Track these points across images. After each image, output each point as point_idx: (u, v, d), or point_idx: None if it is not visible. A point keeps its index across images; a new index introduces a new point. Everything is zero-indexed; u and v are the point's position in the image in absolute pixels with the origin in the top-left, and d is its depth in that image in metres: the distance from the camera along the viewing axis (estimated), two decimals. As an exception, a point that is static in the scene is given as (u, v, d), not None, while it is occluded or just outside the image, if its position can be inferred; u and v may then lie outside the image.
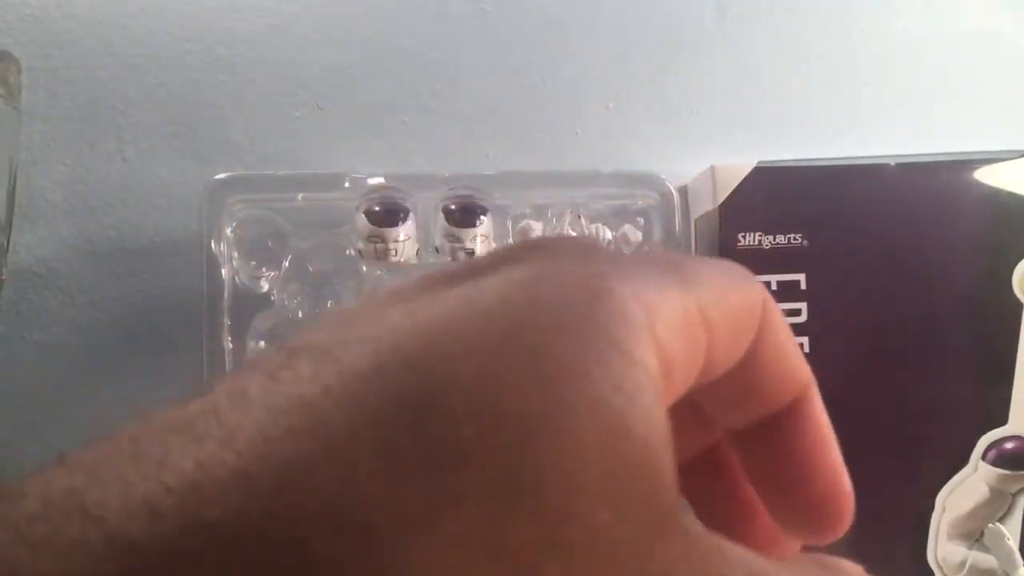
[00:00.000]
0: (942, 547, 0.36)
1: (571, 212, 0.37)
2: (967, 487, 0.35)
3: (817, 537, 0.17)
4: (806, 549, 0.18)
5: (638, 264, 0.14)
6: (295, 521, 0.09)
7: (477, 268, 0.14)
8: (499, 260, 0.14)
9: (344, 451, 0.10)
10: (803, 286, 0.36)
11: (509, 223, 0.37)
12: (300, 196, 0.36)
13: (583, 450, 0.11)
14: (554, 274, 0.13)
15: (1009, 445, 0.35)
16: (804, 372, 0.16)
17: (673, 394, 0.13)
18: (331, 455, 0.10)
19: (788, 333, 0.16)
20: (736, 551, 0.12)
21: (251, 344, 0.35)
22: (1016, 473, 0.35)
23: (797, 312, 0.35)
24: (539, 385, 0.11)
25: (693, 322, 0.14)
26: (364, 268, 0.36)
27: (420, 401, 0.11)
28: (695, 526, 0.12)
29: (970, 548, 0.36)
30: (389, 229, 0.35)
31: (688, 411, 0.16)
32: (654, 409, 0.12)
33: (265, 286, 0.36)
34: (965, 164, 0.36)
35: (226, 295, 0.35)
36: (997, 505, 0.36)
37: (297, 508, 0.10)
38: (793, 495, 0.17)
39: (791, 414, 0.16)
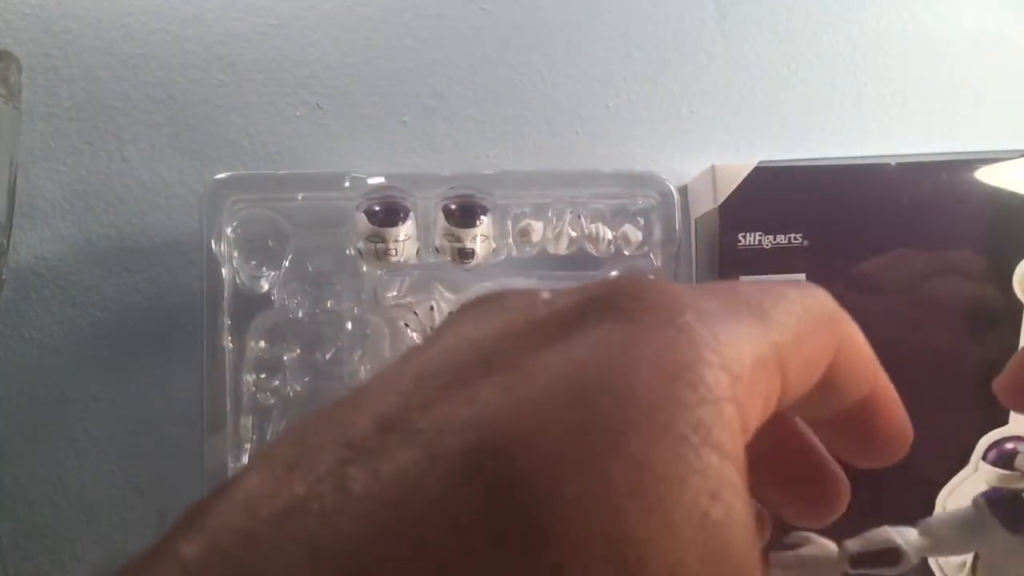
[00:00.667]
0: (942, 547, 0.36)
1: (571, 212, 0.37)
2: (968, 487, 0.35)
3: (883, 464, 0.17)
4: None
5: (725, 315, 0.13)
6: None
7: (563, 319, 0.13)
8: (585, 306, 0.13)
9: None
10: (803, 286, 0.35)
11: (509, 223, 0.37)
12: (300, 196, 0.36)
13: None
14: (645, 347, 0.12)
15: (1010, 445, 0.35)
16: (874, 370, 0.17)
17: (745, 441, 0.13)
18: None
19: (861, 344, 0.16)
20: None
21: (251, 344, 0.35)
22: (1016, 473, 0.35)
23: (797, 312, 0.35)
24: (643, 506, 0.11)
25: (771, 373, 0.14)
26: (364, 268, 0.36)
27: (526, 528, 0.10)
28: None
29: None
30: (389, 229, 0.35)
31: None
32: (745, 508, 0.12)
33: (265, 286, 0.36)
34: (966, 164, 0.36)
35: (226, 295, 0.35)
36: (997, 505, 0.36)
37: None
38: (863, 453, 0.17)
39: (861, 403, 0.17)
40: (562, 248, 0.37)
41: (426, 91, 0.40)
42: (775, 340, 0.14)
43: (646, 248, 0.37)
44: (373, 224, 0.35)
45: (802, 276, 0.36)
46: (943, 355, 0.36)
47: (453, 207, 0.35)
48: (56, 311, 0.38)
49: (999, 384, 0.20)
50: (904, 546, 0.15)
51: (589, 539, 0.10)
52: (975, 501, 0.16)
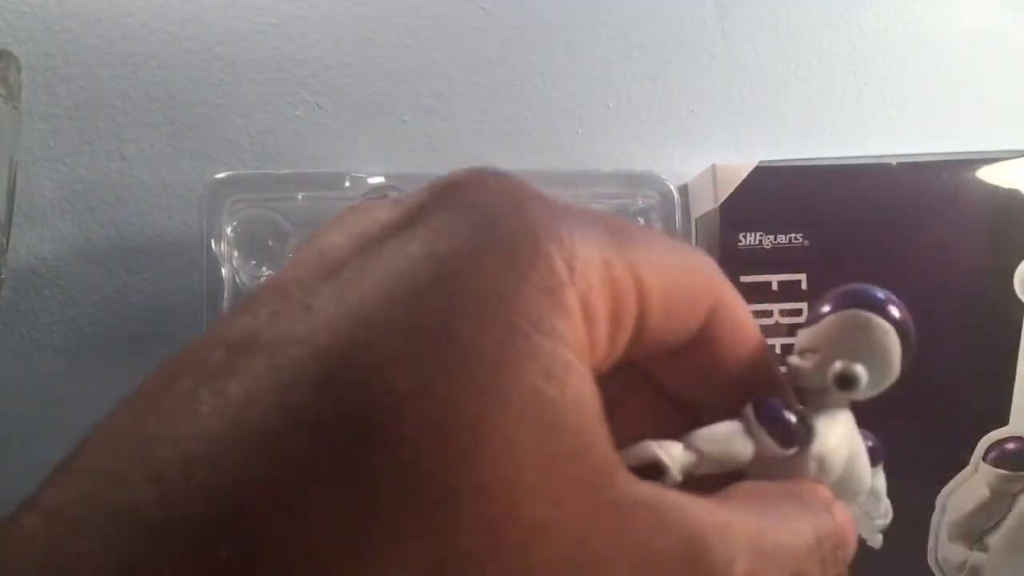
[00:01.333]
0: (943, 548, 0.36)
1: (571, 212, 0.37)
2: (968, 488, 0.35)
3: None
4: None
5: (571, 215, 0.14)
6: (242, 560, 0.10)
7: (409, 214, 0.13)
8: (426, 200, 0.13)
9: (293, 485, 0.10)
10: (804, 286, 0.35)
11: (509, 223, 0.37)
12: (300, 195, 0.36)
13: (521, 452, 0.11)
14: (479, 236, 0.12)
15: (1010, 446, 0.35)
16: (758, 342, 0.17)
17: (600, 353, 0.13)
18: (280, 491, 0.10)
19: (744, 314, 0.16)
20: (673, 515, 0.12)
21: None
22: (1017, 474, 0.35)
23: (798, 312, 0.35)
24: (475, 391, 0.11)
25: (621, 282, 0.14)
26: (364, 268, 0.36)
27: (361, 424, 0.10)
28: (631, 493, 0.12)
29: (971, 549, 0.36)
30: (389, 229, 0.35)
31: None
32: (584, 386, 0.12)
33: (265, 286, 0.36)
34: (966, 163, 0.36)
35: (226, 295, 0.35)
36: (998, 506, 0.35)
37: (245, 539, 0.10)
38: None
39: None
40: (562, 248, 0.37)
41: (426, 91, 0.40)
42: (629, 258, 0.14)
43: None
44: (373, 224, 0.35)
45: (802, 276, 0.36)
46: (944, 355, 0.36)
47: (453, 207, 0.35)
48: (56, 311, 0.38)
49: None
50: (667, 460, 0.15)
51: (423, 430, 0.10)
52: (743, 413, 0.16)
